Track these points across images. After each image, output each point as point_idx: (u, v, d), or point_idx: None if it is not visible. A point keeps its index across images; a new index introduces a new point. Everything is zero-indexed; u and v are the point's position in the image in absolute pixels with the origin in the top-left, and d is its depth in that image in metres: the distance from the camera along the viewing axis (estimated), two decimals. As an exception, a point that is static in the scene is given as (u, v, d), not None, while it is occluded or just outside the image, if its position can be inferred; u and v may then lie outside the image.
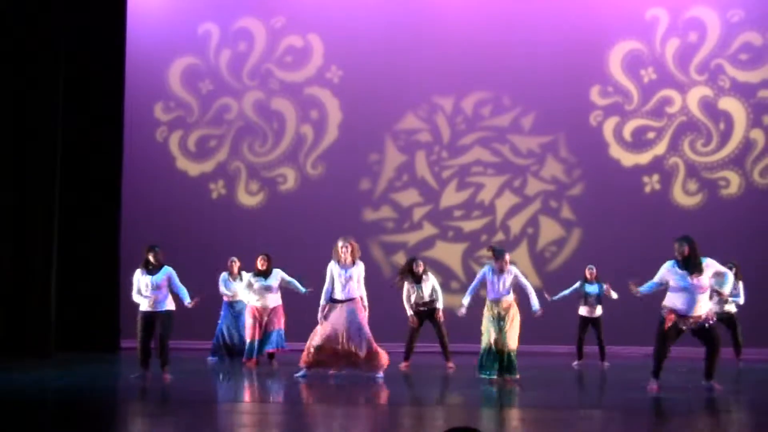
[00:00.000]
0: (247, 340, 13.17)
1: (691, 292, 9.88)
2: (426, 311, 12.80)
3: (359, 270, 11.43)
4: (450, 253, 15.62)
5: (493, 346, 11.29)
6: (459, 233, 16.12)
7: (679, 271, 9.95)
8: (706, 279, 9.93)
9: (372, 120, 16.17)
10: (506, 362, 11.27)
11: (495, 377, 11.24)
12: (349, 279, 11.37)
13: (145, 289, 11.11)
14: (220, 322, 13.83)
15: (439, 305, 12.78)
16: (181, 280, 15.82)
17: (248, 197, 16.29)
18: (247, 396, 10.84)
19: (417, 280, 12.73)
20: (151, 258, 11.21)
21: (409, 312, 12.85)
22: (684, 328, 10.01)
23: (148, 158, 16.17)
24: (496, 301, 11.36)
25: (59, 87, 14.44)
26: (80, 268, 15.13)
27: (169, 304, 11.19)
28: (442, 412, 9.65)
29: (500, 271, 11.38)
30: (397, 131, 16.25)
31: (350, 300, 11.38)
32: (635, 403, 9.91)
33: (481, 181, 16.14)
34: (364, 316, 11.39)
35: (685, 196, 15.85)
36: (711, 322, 10.04)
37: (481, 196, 16.13)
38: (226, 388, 11.53)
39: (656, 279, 10.18)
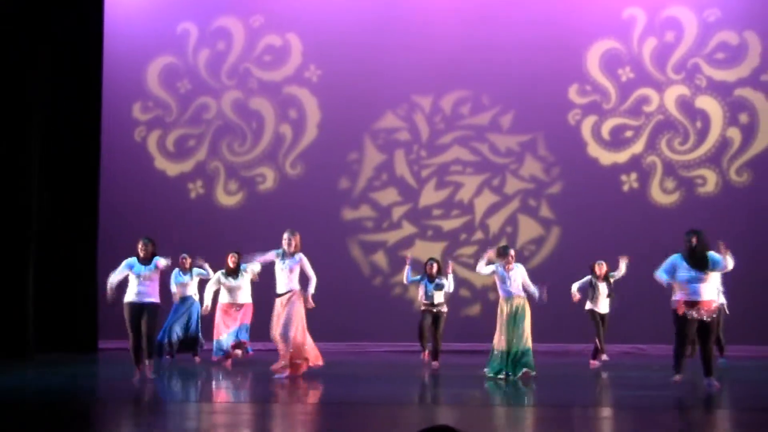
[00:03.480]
0: (215, 338, 13.11)
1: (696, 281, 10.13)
2: (432, 311, 13.06)
3: (299, 261, 11.38)
4: (429, 252, 15.55)
5: (504, 346, 11.50)
6: (438, 232, 16.15)
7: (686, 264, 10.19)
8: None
9: (351, 119, 16.16)
10: (522, 358, 11.46)
11: (502, 376, 11.41)
12: (290, 270, 11.31)
13: (135, 279, 11.01)
14: (168, 320, 13.47)
15: (443, 308, 13.08)
16: (161, 281, 15.80)
17: (227, 197, 16.25)
18: (226, 396, 10.81)
19: (430, 279, 13.05)
20: (140, 251, 11.08)
21: (421, 308, 13.24)
22: (696, 317, 10.11)
23: (126, 158, 16.09)
24: (508, 299, 11.61)
25: (36, 86, 14.35)
26: (58, 269, 15.04)
27: (155, 297, 11.11)
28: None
29: (507, 268, 11.63)
30: (376, 130, 16.25)
31: (289, 292, 11.32)
32: (627, 401, 9.96)
33: (460, 180, 16.17)
34: (299, 308, 11.34)
35: (662, 194, 15.94)
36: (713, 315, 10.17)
37: (460, 195, 16.16)
38: (206, 388, 11.50)
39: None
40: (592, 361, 13.10)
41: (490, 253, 11.89)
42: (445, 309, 13.11)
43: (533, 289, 11.71)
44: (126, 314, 11.06)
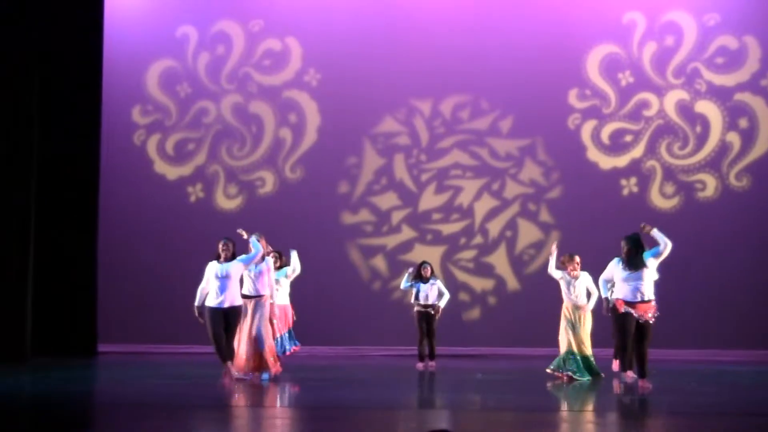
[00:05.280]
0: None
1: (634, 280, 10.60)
2: (425, 311, 13.36)
3: (268, 265, 11.48)
4: (428, 257, 15.55)
5: (575, 349, 11.88)
6: (438, 236, 16.14)
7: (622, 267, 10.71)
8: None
9: (350, 123, 16.16)
10: (586, 364, 11.85)
11: (582, 378, 11.72)
12: (258, 275, 11.40)
13: (214, 279, 10.86)
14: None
15: (441, 303, 13.44)
16: (160, 284, 15.81)
17: (226, 201, 16.25)
18: (222, 400, 10.80)
19: (423, 281, 13.41)
20: (220, 250, 10.97)
21: (415, 309, 13.50)
22: (635, 315, 10.51)
23: (125, 162, 16.09)
24: (574, 306, 12.00)
25: (35, 89, 14.35)
26: (57, 272, 15.05)
27: (238, 299, 10.97)
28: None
29: (573, 275, 12.01)
30: (375, 134, 16.25)
31: (259, 297, 11.37)
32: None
33: (459, 184, 16.17)
34: (266, 313, 11.41)
35: (662, 198, 15.93)
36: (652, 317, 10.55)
37: (459, 199, 16.15)
38: (206, 392, 11.48)
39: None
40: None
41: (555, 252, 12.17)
42: (437, 309, 13.37)
43: (595, 293, 11.96)
44: (207, 319, 10.89)
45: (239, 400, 10.73)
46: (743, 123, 15.87)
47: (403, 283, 13.60)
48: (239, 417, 9.39)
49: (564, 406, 10.36)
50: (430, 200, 16.16)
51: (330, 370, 13.07)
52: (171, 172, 16.26)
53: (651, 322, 10.54)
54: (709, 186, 15.86)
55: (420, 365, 13.33)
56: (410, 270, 13.65)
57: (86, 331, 15.26)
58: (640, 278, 10.57)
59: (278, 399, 10.50)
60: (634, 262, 10.61)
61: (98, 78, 15.57)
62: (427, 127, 16.23)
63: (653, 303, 10.60)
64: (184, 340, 15.38)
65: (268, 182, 16.23)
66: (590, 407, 10.36)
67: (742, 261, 15.46)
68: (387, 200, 16.19)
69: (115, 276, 15.66)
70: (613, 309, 10.63)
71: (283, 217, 15.69)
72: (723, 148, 15.88)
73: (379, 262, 16.13)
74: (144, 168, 16.20)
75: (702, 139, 15.92)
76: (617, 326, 10.72)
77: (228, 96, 16.29)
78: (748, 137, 15.86)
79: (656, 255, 10.63)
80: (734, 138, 15.87)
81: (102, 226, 15.63)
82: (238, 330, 11.27)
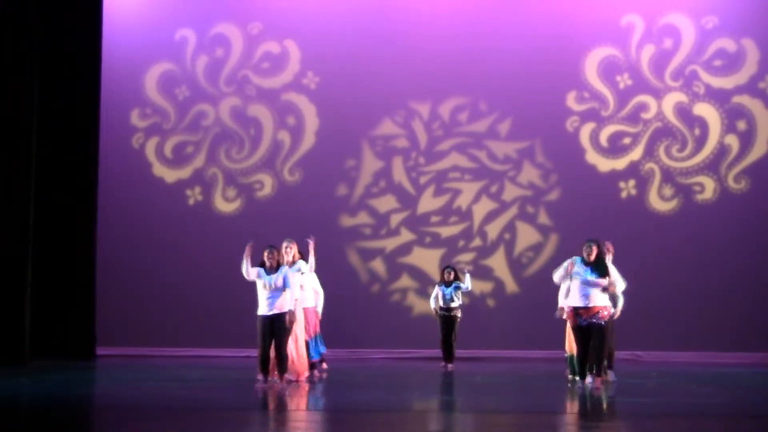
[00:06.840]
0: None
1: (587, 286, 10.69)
2: (447, 314, 13.81)
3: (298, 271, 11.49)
4: (427, 259, 15.61)
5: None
6: (436, 239, 16.15)
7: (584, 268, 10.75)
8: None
9: (349, 126, 16.18)
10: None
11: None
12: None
13: (263, 290, 10.76)
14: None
15: (458, 312, 13.84)
16: (158, 287, 15.81)
17: (225, 204, 16.25)
18: (225, 402, 10.79)
19: (446, 285, 13.83)
20: (265, 259, 10.83)
21: (437, 313, 13.96)
22: (587, 321, 10.70)
23: (124, 165, 16.10)
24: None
25: (34, 93, 14.35)
26: (56, 275, 15.05)
27: (285, 307, 10.80)
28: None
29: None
30: (374, 137, 16.26)
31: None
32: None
33: (458, 187, 16.18)
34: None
35: (660, 201, 15.95)
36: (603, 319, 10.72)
37: (458, 201, 16.16)
38: (210, 395, 11.47)
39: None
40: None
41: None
42: (459, 314, 13.79)
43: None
44: (257, 326, 10.82)
45: (240, 402, 10.73)
46: (741, 125, 15.90)
47: (432, 302, 14.04)
48: (239, 420, 9.37)
49: (563, 409, 10.35)
50: (428, 203, 16.17)
51: (329, 373, 13.05)
52: (170, 175, 16.27)
53: (603, 323, 10.65)
54: (707, 188, 15.89)
55: (443, 365, 13.72)
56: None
57: (85, 334, 15.26)
58: (597, 285, 10.67)
59: (279, 401, 10.49)
60: (602, 268, 10.70)
61: (97, 81, 15.59)
62: (425, 130, 16.25)
63: (606, 309, 10.73)
64: (183, 342, 15.42)
65: (266, 185, 16.24)
66: (588, 409, 10.36)
67: (741, 263, 15.49)
68: (385, 203, 16.20)
69: (114, 279, 15.66)
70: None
71: (281, 220, 15.68)
72: (721, 150, 15.90)
73: (378, 265, 16.13)
74: (143, 171, 16.20)
75: (700, 142, 15.94)
76: (575, 337, 10.94)
77: (226, 99, 16.30)
78: (747, 140, 15.89)
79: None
80: (732, 140, 15.90)
81: (101, 229, 15.63)
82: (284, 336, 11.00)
